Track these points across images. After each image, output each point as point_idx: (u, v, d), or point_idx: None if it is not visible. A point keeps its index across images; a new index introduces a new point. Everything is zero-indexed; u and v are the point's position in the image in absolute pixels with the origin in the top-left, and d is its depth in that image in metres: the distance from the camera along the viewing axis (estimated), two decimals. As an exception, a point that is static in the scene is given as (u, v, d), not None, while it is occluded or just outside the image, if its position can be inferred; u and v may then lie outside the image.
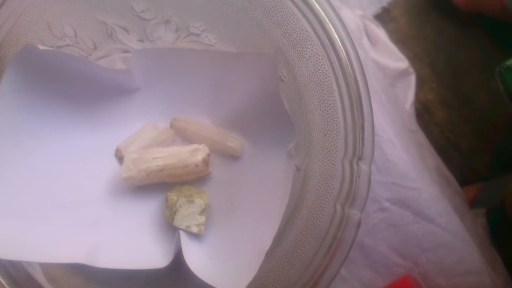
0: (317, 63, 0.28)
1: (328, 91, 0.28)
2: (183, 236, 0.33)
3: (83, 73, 0.34)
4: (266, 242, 0.30)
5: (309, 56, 0.29)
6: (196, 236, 0.34)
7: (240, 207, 0.34)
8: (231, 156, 0.36)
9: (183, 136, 0.37)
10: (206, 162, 0.35)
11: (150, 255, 0.34)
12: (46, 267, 0.32)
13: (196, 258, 0.33)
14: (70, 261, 0.31)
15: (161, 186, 0.36)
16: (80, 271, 0.33)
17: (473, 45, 0.67)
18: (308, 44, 0.29)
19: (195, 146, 0.35)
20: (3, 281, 0.30)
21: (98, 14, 0.33)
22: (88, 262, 0.31)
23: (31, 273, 0.31)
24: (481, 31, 0.65)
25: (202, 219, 0.34)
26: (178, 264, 0.33)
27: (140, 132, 0.37)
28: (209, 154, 0.35)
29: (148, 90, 0.37)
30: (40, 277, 0.32)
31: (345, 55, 0.27)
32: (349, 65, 0.27)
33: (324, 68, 0.28)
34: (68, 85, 0.34)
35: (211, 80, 0.36)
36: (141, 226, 0.35)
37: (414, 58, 0.71)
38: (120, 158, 0.37)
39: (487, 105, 0.69)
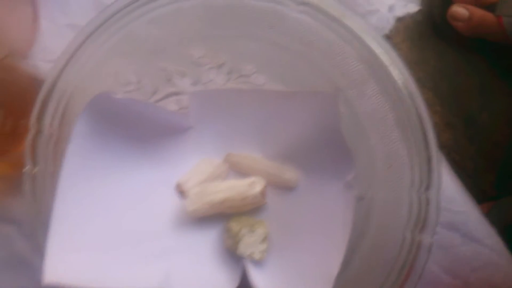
0: (378, 102, 0.31)
1: (390, 128, 0.31)
2: (248, 264, 0.35)
3: (145, 116, 0.37)
4: (333, 268, 0.32)
5: (370, 95, 0.32)
6: (257, 263, 0.37)
7: (298, 235, 0.37)
8: (285, 188, 0.39)
9: (237, 169, 0.40)
10: (263, 193, 0.37)
11: (217, 283, 0.36)
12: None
13: (263, 284, 0.35)
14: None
15: (219, 217, 0.38)
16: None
17: (472, 69, 0.72)
18: (368, 84, 0.32)
19: (252, 179, 0.37)
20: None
21: (160, 62, 0.36)
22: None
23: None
24: (478, 56, 0.69)
25: (263, 246, 0.36)
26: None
27: (197, 168, 0.40)
28: (265, 186, 0.38)
29: (201, 128, 0.40)
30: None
31: (406, 93, 0.30)
32: (411, 103, 0.30)
33: (385, 106, 0.31)
34: (132, 128, 0.37)
35: (263, 117, 0.39)
36: (205, 255, 0.38)
37: (417, 83, 0.74)
38: (181, 192, 0.39)
39: (490, 125, 0.72)
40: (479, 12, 0.49)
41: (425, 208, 0.30)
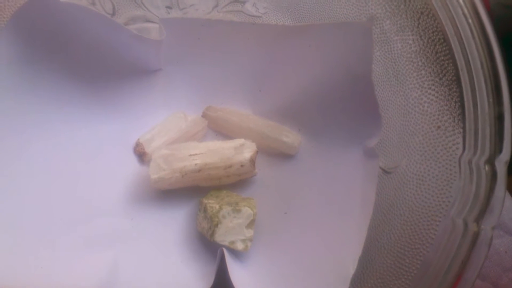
0: (431, 36, 0.22)
1: (446, 70, 0.22)
2: (227, 255, 0.26)
3: (100, 38, 0.27)
4: (348, 266, 0.24)
5: (422, 25, 0.23)
6: (240, 255, 0.27)
7: (298, 219, 0.28)
8: (282, 155, 0.30)
9: (219, 129, 0.30)
10: (253, 161, 0.28)
11: (183, 279, 0.27)
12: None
13: (246, 283, 0.26)
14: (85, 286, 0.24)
15: (192, 190, 0.29)
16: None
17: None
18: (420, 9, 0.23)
19: (240, 141, 0.28)
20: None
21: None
22: (105, 288, 0.24)
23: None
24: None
25: (249, 233, 0.27)
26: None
27: (166, 123, 0.30)
28: (257, 152, 0.28)
29: (174, 71, 0.30)
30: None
31: (472, 22, 0.21)
32: (478, 34, 0.21)
33: (441, 41, 0.22)
34: (79, 56, 0.27)
35: (258, 60, 0.29)
36: (169, 242, 0.28)
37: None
38: (140, 154, 0.29)
39: None
40: None
41: (488, 186, 0.21)
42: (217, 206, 0.27)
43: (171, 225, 0.29)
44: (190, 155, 0.27)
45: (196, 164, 0.27)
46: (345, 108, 0.27)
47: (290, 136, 0.29)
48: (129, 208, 0.28)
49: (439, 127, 0.23)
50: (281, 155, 0.30)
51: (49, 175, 0.27)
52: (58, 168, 0.27)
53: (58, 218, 0.26)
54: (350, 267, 0.24)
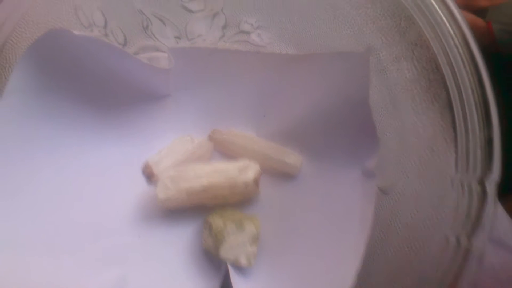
0: (425, 65, 0.24)
1: (439, 97, 0.24)
2: (231, 270, 0.27)
3: (112, 67, 0.28)
4: (346, 281, 0.25)
5: (417, 56, 0.24)
6: (244, 270, 0.28)
7: (300, 237, 0.29)
8: (284, 176, 0.31)
9: (224, 151, 0.32)
10: (257, 181, 0.29)
11: (189, 295, 0.28)
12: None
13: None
14: None
15: (198, 209, 0.30)
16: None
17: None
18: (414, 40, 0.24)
19: (244, 162, 0.29)
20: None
21: (137, 0, 0.28)
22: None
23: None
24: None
25: (253, 249, 0.28)
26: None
27: (173, 146, 0.31)
28: (260, 172, 0.29)
29: (182, 97, 0.32)
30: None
31: (462, 52, 0.23)
32: (469, 63, 0.23)
33: (434, 70, 0.24)
34: (93, 83, 0.28)
35: (261, 86, 0.31)
36: (176, 258, 0.29)
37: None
38: (149, 175, 0.30)
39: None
40: (469, 16, 0.45)
41: (479, 204, 0.23)
42: (222, 224, 0.28)
43: (177, 243, 0.29)
44: (196, 175, 0.29)
45: (202, 185, 0.28)
46: (344, 131, 0.28)
47: (292, 158, 0.30)
48: (137, 227, 0.29)
49: (433, 150, 0.24)
50: (283, 175, 0.31)
51: (59, 197, 0.28)
52: (68, 189, 0.28)
53: (65, 238, 0.27)
54: (349, 282, 0.25)
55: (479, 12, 0.47)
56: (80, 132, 0.29)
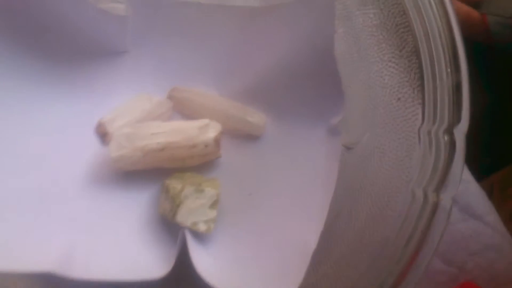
0: (391, 9, 0.23)
1: (405, 42, 0.22)
2: (188, 237, 0.25)
3: (65, 15, 0.26)
4: (309, 242, 0.23)
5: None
6: (203, 237, 0.27)
7: (262, 199, 0.27)
8: (247, 136, 0.29)
9: (184, 111, 0.30)
10: (218, 141, 0.28)
11: (143, 262, 0.26)
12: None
13: (208, 266, 0.25)
14: (35, 270, 0.22)
15: (154, 172, 0.28)
16: (48, 284, 0.24)
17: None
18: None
19: (205, 121, 0.28)
20: None
21: None
22: (60, 272, 0.22)
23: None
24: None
25: (212, 214, 0.26)
26: (179, 274, 0.25)
27: (129, 104, 0.29)
28: (221, 132, 0.28)
29: (140, 53, 0.30)
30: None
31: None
32: (436, 4, 0.21)
33: (401, 13, 0.22)
34: (41, 31, 0.26)
35: (224, 42, 0.29)
36: (129, 225, 0.27)
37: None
38: (102, 135, 0.28)
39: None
40: (464, 8, 0.45)
41: (447, 156, 0.21)
42: (180, 186, 0.26)
43: (132, 208, 0.27)
44: (153, 133, 0.27)
45: (158, 143, 0.26)
46: (309, 86, 0.26)
47: (255, 116, 0.28)
48: (89, 191, 0.27)
49: (399, 99, 0.23)
50: (246, 136, 0.29)
51: (5, 156, 0.26)
52: (11, 151, 0.26)
53: (8, 204, 0.25)
54: (312, 243, 0.23)
55: (474, 4, 0.46)
56: (25, 87, 0.26)
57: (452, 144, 0.21)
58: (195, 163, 0.28)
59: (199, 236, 0.26)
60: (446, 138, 0.21)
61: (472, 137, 0.21)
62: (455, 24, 0.21)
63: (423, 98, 0.22)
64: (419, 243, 0.21)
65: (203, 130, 0.27)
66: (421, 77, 0.22)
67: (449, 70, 0.21)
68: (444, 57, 0.21)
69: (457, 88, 0.21)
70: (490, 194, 0.41)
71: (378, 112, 0.24)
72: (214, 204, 0.26)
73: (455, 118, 0.21)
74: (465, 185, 0.31)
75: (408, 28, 0.22)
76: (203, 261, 0.25)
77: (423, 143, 0.22)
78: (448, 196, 0.21)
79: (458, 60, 0.21)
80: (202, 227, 0.26)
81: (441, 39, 0.21)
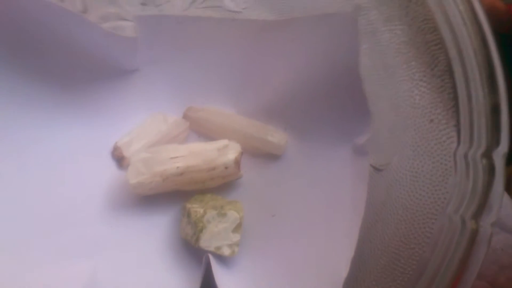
0: (421, 25, 0.21)
1: (437, 60, 0.21)
2: (213, 261, 0.25)
3: (73, 38, 0.25)
4: (340, 268, 0.22)
5: (411, 14, 0.22)
6: (227, 261, 0.26)
7: (286, 221, 0.26)
8: (268, 156, 0.28)
9: (201, 130, 0.29)
10: (238, 162, 0.27)
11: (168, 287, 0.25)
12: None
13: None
14: None
15: (174, 195, 0.27)
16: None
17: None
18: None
19: (224, 142, 0.27)
20: None
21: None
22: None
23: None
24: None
25: (236, 237, 0.26)
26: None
27: (144, 126, 0.28)
28: (241, 153, 0.27)
29: (151, 71, 0.29)
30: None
31: (463, 9, 0.20)
32: (470, 20, 0.20)
33: (431, 30, 0.21)
34: (50, 54, 0.25)
35: (239, 57, 0.28)
36: (152, 249, 0.27)
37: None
38: (119, 159, 0.28)
39: None
40: None
41: (486, 180, 0.20)
42: (202, 211, 0.25)
43: (153, 232, 0.27)
44: (171, 158, 0.26)
45: (177, 167, 0.26)
46: (332, 104, 0.26)
47: (275, 136, 0.28)
48: (108, 216, 0.27)
49: (431, 120, 0.22)
50: (267, 155, 0.28)
51: (19, 189, 0.25)
52: (28, 180, 0.26)
53: (31, 229, 0.25)
54: (342, 270, 0.22)
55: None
56: (35, 113, 0.26)
57: (491, 168, 0.20)
58: (215, 185, 0.27)
59: (223, 260, 0.26)
60: (484, 162, 0.20)
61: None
62: (492, 42, 0.20)
63: (458, 120, 0.21)
64: (457, 272, 0.20)
65: (222, 152, 0.26)
66: (455, 98, 0.21)
67: (485, 90, 0.20)
68: (480, 77, 0.20)
69: (495, 110, 0.20)
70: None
71: (409, 133, 0.23)
72: (237, 228, 0.26)
73: (494, 141, 0.20)
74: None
75: (440, 45, 0.21)
76: (228, 285, 0.24)
77: (459, 167, 0.21)
78: (488, 223, 0.20)
79: (496, 80, 0.20)
80: (226, 251, 0.25)
81: (476, 57, 0.20)
